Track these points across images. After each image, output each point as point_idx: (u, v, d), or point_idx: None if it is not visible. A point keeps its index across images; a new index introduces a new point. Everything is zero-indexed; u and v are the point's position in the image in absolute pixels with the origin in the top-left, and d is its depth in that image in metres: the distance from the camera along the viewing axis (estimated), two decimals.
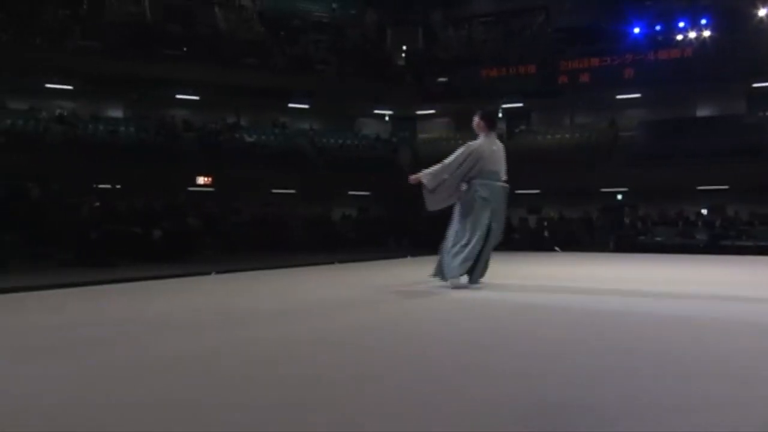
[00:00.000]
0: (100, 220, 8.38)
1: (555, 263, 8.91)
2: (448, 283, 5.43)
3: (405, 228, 15.89)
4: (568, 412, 1.94)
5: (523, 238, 14.58)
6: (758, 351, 2.98)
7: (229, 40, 23.29)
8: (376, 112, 25.57)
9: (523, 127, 24.09)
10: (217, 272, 6.53)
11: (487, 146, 5.69)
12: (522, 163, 21.47)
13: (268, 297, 5.34)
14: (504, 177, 5.74)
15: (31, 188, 8.63)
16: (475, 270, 5.51)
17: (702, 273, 7.76)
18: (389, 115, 25.78)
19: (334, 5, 27.21)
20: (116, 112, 22.25)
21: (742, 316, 4.08)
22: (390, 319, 4.00)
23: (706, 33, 20.23)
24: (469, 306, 4.64)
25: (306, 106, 24.21)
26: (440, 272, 5.58)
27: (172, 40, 22.06)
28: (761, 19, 19.42)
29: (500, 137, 23.81)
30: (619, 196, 20.83)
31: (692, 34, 20.30)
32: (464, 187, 5.61)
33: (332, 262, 8.12)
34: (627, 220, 17.06)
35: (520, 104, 23.75)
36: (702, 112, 21.91)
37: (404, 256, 9.53)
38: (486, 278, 5.67)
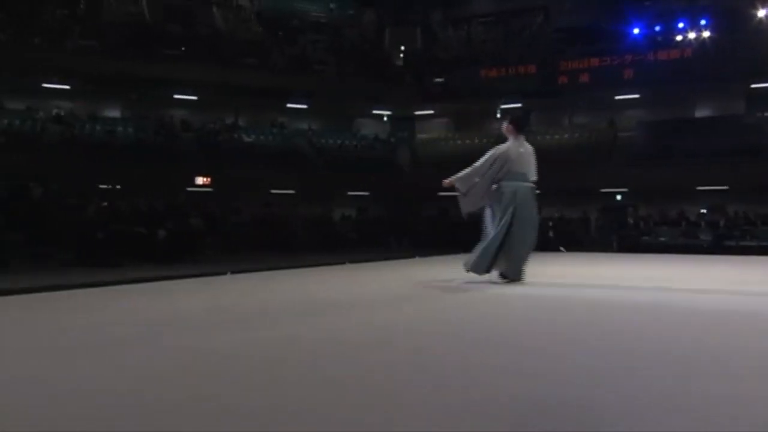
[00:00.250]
0: (106, 221, 8.29)
1: (567, 263, 8.86)
2: (485, 277, 5.77)
3: (405, 228, 15.84)
4: (568, 412, 1.92)
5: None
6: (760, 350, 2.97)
7: (228, 40, 23.22)
8: (375, 112, 25.53)
9: None
10: (233, 272, 6.46)
11: (515, 149, 5.89)
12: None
13: (305, 295, 5.33)
14: (533, 177, 5.92)
15: (32, 188, 8.53)
16: (497, 262, 5.74)
17: (719, 273, 7.71)
18: (388, 116, 25.73)
19: (331, 5, 27.16)
20: (114, 112, 22.14)
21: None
22: (409, 318, 3.95)
23: (706, 33, 20.26)
24: (502, 303, 4.72)
25: (304, 107, 24.15)
26: (479, 267, 5.83)
27: (171, 40, 21.98)
28: (760, 19, 19.45)
29: (498, 137, 23.70)
30: (619, 197, 20.84)
31: (692, 35, 20.34)
32: (494, 188, 5.86)
33: (343, 263, 8.06)
34: (630, 221, 17.05)
35: (519, 104, 23.74)
36: (701, 112, 21.94)
37: (412, 256, 9.47)
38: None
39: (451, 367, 2.56)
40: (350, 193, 21.79)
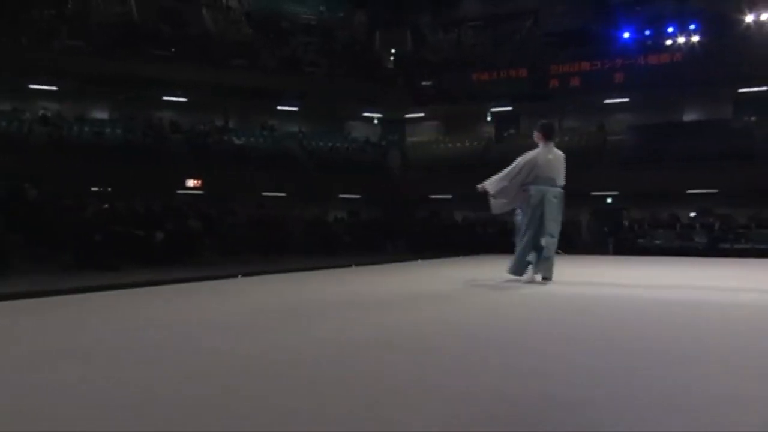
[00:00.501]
0: (104, 222, 8.12)
1: (576, 265, 8.83)
2: (522, 278, 6.07)
3: (401, 231, 15.79)
4: (570, 410, 1.91)
5: None
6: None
7: (218, 41, 23.05)
8: (365, 115, 25.48)
9: (512, 131, 24.19)
10: (243, 275, 6.35)
11: (543, 155, 6.20)
12: None
13: (336, 295, 5.29)
14: (561, 183, 6.22)
15: (27, 189, 8.34)
16: (538, 265, 6.02)
17: (718, 276, 7.75)
18: (378, 118, 25.70)
19: (321, 7, 27.10)
20: (102, 114, 21.85)
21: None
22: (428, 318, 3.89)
23: (695, 38, 20.50)
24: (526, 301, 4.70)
25: (295, 109, 24.04)
26: (517, 270, 6.18)
27: (160, 40, 21.76)
28: (748, 25, 19.73)
29: (489, 140, 23.75)
30: (609, 200, 20.97)
31: (681, 39, 20.56)
32: (524, 192, 6.19)
33: (349, 265, 7.98)
34: (626, 223, 17.16)
35: (509, 108, 23.86)
36: (689, 116, 22.17)
37: (414, 259, 9.42)
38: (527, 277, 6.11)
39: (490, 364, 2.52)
40: (341, 195, 21.70)
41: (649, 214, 18.65)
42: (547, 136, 6.29)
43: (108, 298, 4.96)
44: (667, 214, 18.33)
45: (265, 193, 19.58)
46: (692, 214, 18.76)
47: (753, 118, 20.85)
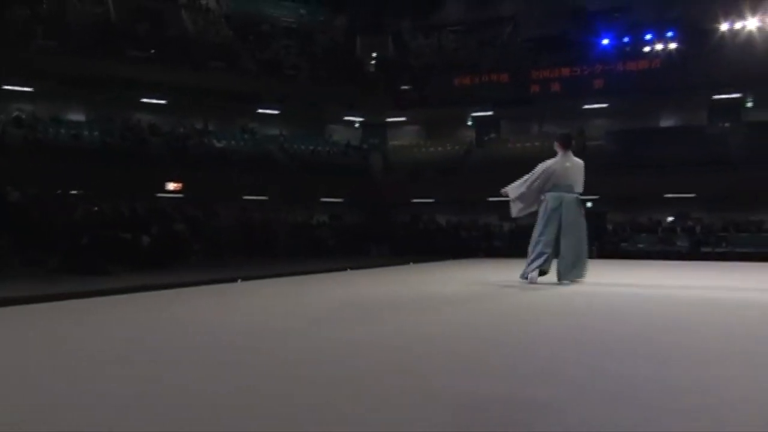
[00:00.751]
0: (92, 226, 7.93)
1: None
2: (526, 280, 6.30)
3: (384, 235, 15.76)
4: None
5: (509, 244, 14.60)
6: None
7: (198, 43, 22.79)
8: (347, 118, 25.42)
9: (492, 135, 24.35)
10: (243, 279, 6.24)
11: (561, 163, 6.51)
12: (493, 171, 21.86)
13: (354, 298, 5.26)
14: (579, 189, 6.50)
15: (9, 192, 8.11)
16: (559, 269, 6.25)
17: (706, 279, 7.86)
18: (359, 122, 25.66)
19: (302, 11, 27.00)
20: (78, 116, 21.39)
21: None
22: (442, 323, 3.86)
23: (672, 45, 20.90)
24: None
25: (276, 112, 23.87)
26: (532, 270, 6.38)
27: (138, 41, 21.42)
28: (723, 33, 20.18)
29: (470, 144, 23.87)
30: (589, 204, 21.16)
31: (659, 46, 20.94)
32: (542, 198, 6.50)
33: (345, 269, 7.91)
34: (609, 227, 17.36)
35: (490, 112, 24.02)
36: (666, 122, 22.58)
37: (404, 263, 9.40)
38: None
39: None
40: (323, 199, 21.58)
41: (629, 219, 18.90)
42: (565, 145, 6.59)
43: (139, 299, 4.86)
44: (646, 218, 18.60)
45: (246, 197, 19.38)
46: (670, 219, 19.05)
47: (727, 125, 21.33)
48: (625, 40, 21.80)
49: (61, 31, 20.14)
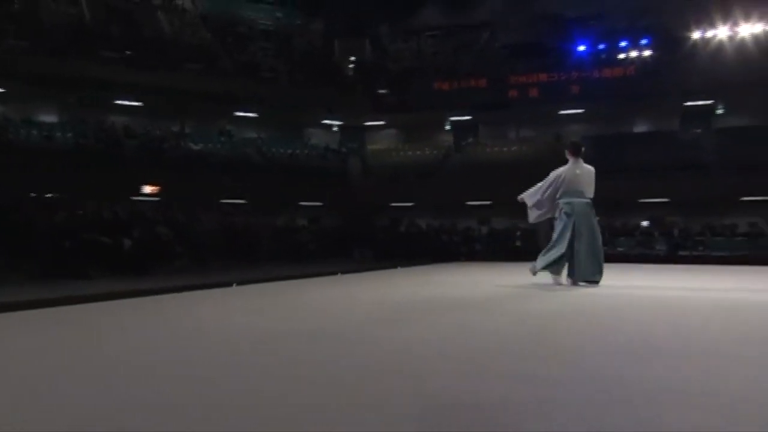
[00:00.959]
0: (72, 229, 7.74)
1: None
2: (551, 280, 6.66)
3: (366, 239, 15.73)
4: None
5: (490, 247, 14.69)
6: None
7: (174, 44, 22.49)
8: (325, 122, 25.33)
9: (470, 140, 24.51)
10: (238, 284, 6.16)
11: (571, 170, 6.85)
12: (471, 175, 22.05)
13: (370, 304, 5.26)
14: (589, 195, 6.79)
15: None
16: (574, 271, 6.56)
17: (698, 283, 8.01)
18: (338, 126, 25.61)
19: (278, 14, 26.84)
20: (51, 117, 20.92)
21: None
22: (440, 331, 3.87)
23: (646, 53, 21.31)
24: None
25: (253, 115, 23.68)
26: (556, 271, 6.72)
27: (113, 42, 21.05)
28: (695, 42, 20.63)
29: (448, 149, 23.92)
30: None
31: (633, 54, 21.33)
32: (557, 204, 6.84)
33: (335, 273, 7.87)
34: None
35: (468, 117, 24.18)
36: (639, 128, 23.00)
37: (393, 267, 9.39)
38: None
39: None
40: (302, 203, 21.46)
41: (606, 222, 19.16)
42: (575, 153, 6.91)
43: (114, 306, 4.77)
44: (620, 222, 18.88)
45: (225, 200, 19.17)
46: (645, 223, 19.38)
47: (699, 131, 21.81)
48: (601, 47, 22.16)
49: (34, 31, 19.69)
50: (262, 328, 3.81)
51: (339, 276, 7.69)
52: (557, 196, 6.78)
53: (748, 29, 20.12)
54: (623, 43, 21.61)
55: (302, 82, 23.37)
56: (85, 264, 7.24)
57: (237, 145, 22.60)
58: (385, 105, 24.16)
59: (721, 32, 20.47)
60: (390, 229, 18.57)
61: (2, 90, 19.69)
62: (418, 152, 24.46)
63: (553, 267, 6.62)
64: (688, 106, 21.72)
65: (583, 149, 7.02)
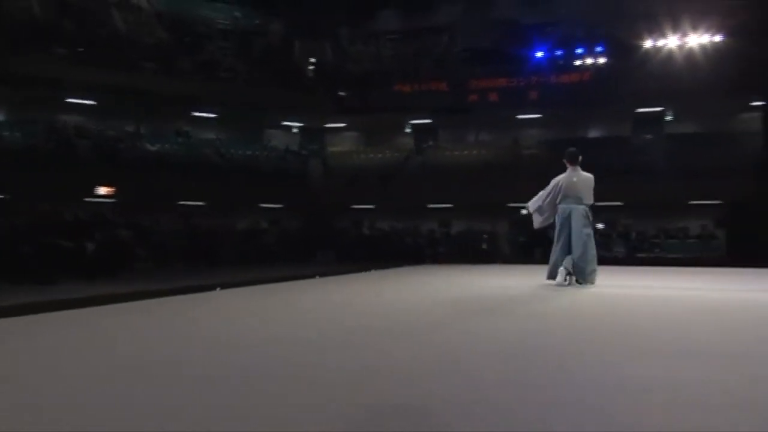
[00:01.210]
0: (32, 233, 7.44)
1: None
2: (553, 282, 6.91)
3: (329, 241, 15.65)
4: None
5: (453, 250, 14.82)
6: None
7: (130, 43, 21.88)
8: (285, 123, 25.11)
9: (431, 143, 24.70)
10: (222, 288, 6.03)
11: (568, 178, 7.25)
12: (431, 178, 22.22)
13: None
14: (587, 201, 7.18)
15: None
16: (578, 273, 6.85)
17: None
18: (298, 127, 25.42)
19: (236, 14, 26.45)
20: None
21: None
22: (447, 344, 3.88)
23: (601, 60, 21.91)
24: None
25: (212, 115, 23.27)
26: (550, 275, 7.05)
27: (65, 39, 20.34)
28: (647, 50, 21.34)
29: (410, 151, 24.00)
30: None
31: (589, 60, 21.90)
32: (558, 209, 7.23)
33: (314, 276, 7.79)
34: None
35: (429, 120, 24.36)
36: (593, 133, 23.61)
37: (367, 269, 9.36)
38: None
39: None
40: (262, 205, 21.20)
41: None
42: (571, 162, 7.31)
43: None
44: None
45: (183, 202, 18.77)
46: (600, 225, 19.90)
47: (649, 136, 22.56)
48: (558, 53, 22.65)
49: None
50: (267, 331, 3.76)
51: (317, 279, 7.64)
52: (557, 201, 7.18)
53: (696, 39, 20.94)
54: (579, 50, 22.16)
55: (262, 82, 23.10)
56: (47, 269, 6.96)
57: (195, 146, 22.17)
58: (345, 107, 24.11)
59: (671, 42, 21.23)
60: (352, 231, 18.52)
61: None
62: (379, 155, 24.51)
63: (552, 272, 7.03)
64: (639, 112, 22.42)
65: (580, 158, 7.36)
